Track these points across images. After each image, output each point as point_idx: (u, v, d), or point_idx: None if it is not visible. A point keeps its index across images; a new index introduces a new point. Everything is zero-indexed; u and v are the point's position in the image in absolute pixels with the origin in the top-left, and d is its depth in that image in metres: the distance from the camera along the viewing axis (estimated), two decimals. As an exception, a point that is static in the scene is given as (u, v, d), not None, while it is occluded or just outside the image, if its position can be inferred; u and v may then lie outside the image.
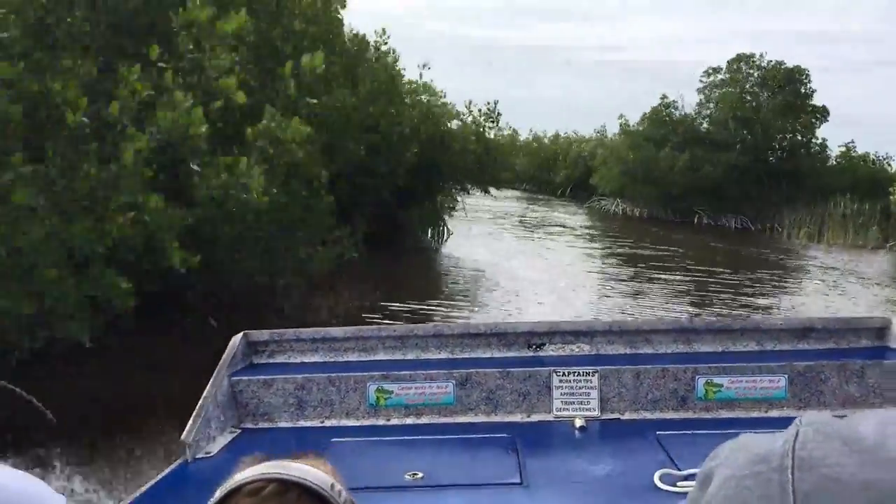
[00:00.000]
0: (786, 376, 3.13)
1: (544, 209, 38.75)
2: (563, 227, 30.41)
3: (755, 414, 3.11)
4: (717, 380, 3.13)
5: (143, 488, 2.47)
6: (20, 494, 0.85)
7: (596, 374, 3.13)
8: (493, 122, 21.66)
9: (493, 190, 25.01)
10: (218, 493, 1.14)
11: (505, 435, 2.93)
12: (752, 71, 36.92)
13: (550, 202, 44.17)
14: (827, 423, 0.68)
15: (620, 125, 38.70)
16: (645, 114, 37.66)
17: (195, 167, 7.86)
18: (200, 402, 2.92)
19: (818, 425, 0.67)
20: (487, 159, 21.52)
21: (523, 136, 51.81)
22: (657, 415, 3.12)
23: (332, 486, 1.11)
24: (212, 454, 2.81)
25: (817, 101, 36.68)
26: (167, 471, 2.68)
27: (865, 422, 0.67)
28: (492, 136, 22.92)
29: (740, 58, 37.38)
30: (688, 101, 37.84)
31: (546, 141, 53.56)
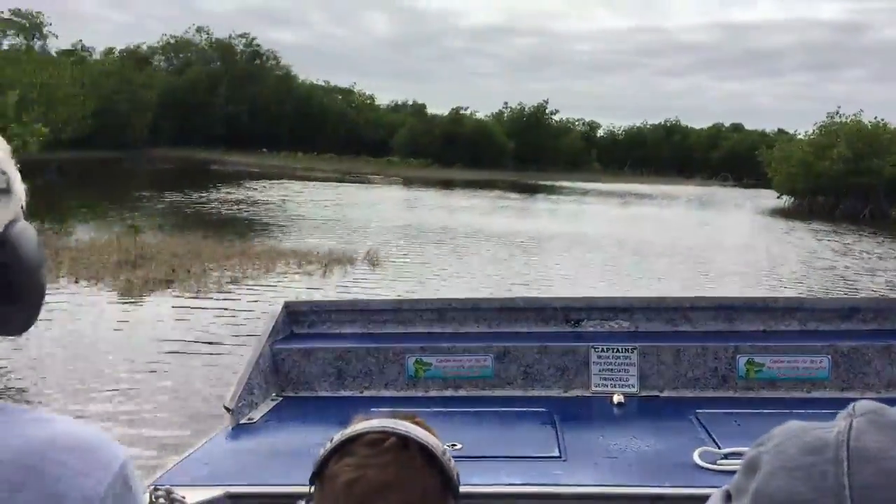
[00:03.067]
0: (829, 357, 3.06)
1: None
2: None
3: (797, 394, 3.04)
4: (758, 359, 3.08)
5: (188, 453, 2.50)
6: (91, 445, 0.88)
7: (635, 351, 3.10)
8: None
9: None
10: (337, 438, 1.15)
11: (543, 409, 2.90)
12: None
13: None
14: (882, 412, 0.66)
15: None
16: None
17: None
18: (243, 369, 2.97)
19: (872, 415, 0.65)
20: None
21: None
22: (697, 393, 3.07)
23: (444, 452, 1.12)
24: (254, 420, 2.84)
25: None
26: (212, 436, 2.71)
27: None
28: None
29: None
30: None
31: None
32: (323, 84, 79.14)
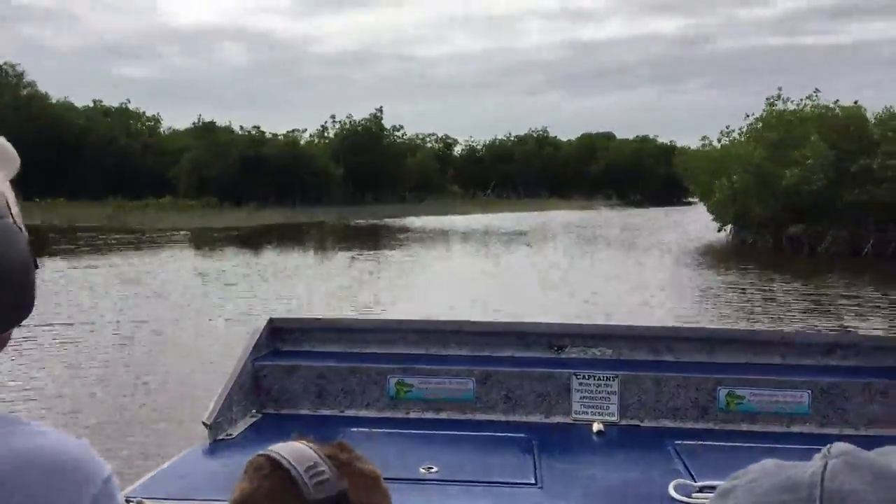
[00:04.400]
0: (809, 392, 3.03)
1: None
2: None
3: (776, 428, 3.01)
4: (739, 391, 3.04)
5: (163, 466, 2.50)
6: (62, 459, 0.86)
7: (616, 379, 3.08)
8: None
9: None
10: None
11: (522, 435, 2.88)
12: None
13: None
14: (857, 455, 0.66)
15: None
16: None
17: None
18: (224, 384, 2.94)
19: (848, 457, 0.66)
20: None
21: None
22: (677, 424, 3.04)
23: (312, 466, 1.03)
24: (232, 436, 2.82)
25: None
26: (188, 450, 2.71)
27: None
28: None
29: None
30: None
31: None
32: (90, 105, 57.94)
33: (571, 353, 3.36)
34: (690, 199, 70.11)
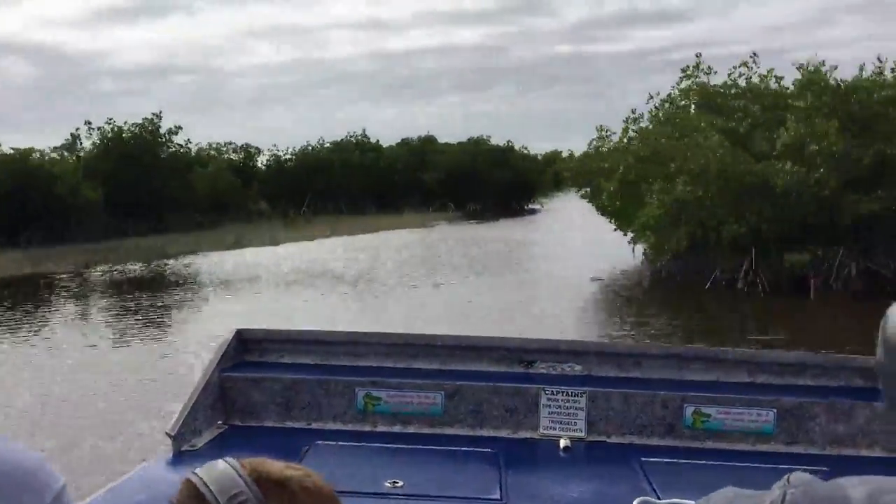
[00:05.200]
0: (774, 411, 3.06)
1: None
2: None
3: (741, 447, 3.04)
4: (705, 409, 3.08)
5: (123, 478, 2.51)
6: (15, 470, 0.85)
7: (584, 395, 3.10)
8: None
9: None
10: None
11: (489, 450, 2.92)
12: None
13: None
14: (815, 485, 0.67)
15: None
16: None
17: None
18: (189, 395, 2.94)
19: (806, 487, 0.67)
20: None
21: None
22: (643, 440, 3.07)
23: (237, 495, 1.02)
24: (196, 448, 2.82)
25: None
26: (149, 462, 2.80)
27: (855, 489, 0.66)
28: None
29: None
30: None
31: None
32: None
33: (540, 369, 3.34)
34: (533, 206, 62.61)
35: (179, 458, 2.70)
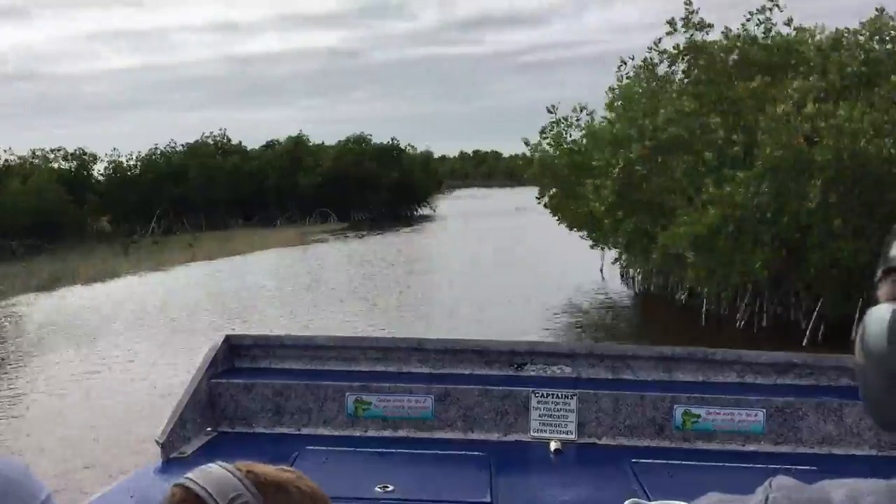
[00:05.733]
0: (763, 411, 3.07)
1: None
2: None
3: (731, 447, 3.05)
4: (695, 410, 3.09)
5: (113, 485, 2.52)
6: (8, 483, 0.85)
7: (575, 398, 3.10)
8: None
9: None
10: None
11: (480, 453, 2.92)
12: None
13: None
14: (797, 489, 0.68)
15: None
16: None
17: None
18: (178, 402, 2.92)
19: (788, 491, 0.67)
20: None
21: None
22: (633, 442, 3.07)
23: (235, 497, 1.01)
24: (186, 455, 2.79)
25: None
26: (139, 470, 2.74)
27: (836, 491, 0.67)
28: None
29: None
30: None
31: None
32: None
33: (531, 371, 3.36)
34: (424, 212, 55.62)
35: (168, 465, 2.69)
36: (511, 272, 22.79)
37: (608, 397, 3.09)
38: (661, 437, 3.06)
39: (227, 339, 3.39)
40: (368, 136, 54.03)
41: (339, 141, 53.58)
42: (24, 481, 0.88)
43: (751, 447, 3.02)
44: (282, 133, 54.26)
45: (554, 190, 18.88)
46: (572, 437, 3.04)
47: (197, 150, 50.24)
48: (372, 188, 49.58)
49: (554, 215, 19.48)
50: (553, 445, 2.97)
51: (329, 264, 28.02)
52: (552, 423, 3.07)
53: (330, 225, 46.70)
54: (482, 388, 3.14)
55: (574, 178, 17.14)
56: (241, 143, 52.86)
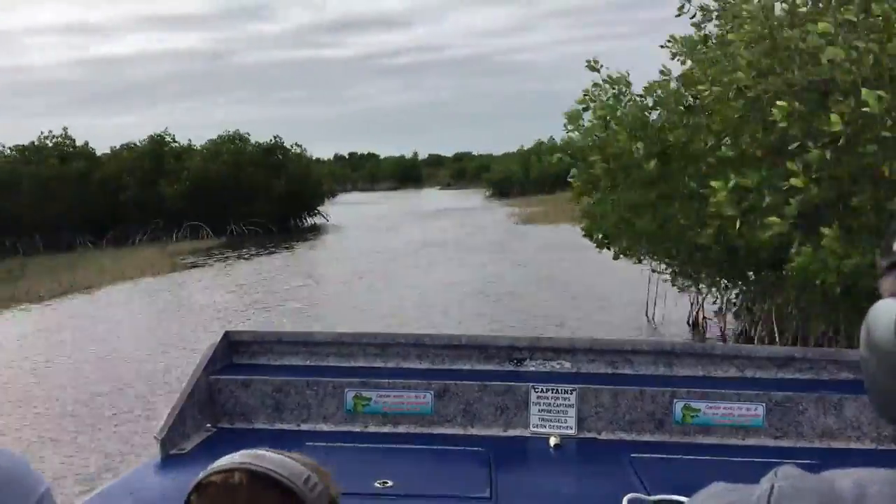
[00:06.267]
0: (763, 405, 3.08)
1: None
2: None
3: (731, 441, 3.06)
4: (694, 404, 3.09)
5: (113, 481, 2.52)
6: (6, 476, 0.84)
7: (574, 392, 3.10)
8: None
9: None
10: (194, 481, 1.10)
11: (480, 449, 2.91)
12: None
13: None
14: (803, 478, 0.68)
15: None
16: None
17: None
18: (177, 398, 2.92)
19: (794, 480, 0.68)
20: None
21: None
22: (633, 436, 3.08)
23: (308, 478, 1.06)
24: (185, 451, 2.81)
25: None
26: (139, 466, 2.74)
27: (841, 480, 0.67)
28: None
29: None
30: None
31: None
32: None
33: (530, 366, 3.35)
34: (315, 220, 47.46)
35: (167, 462, 2.69)
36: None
37: (608, 392, 3.10)
38: (660, 431, 3.07)
39: (227, 335, 3.39)
40: (246, 135, 45.36)
41: (211, 140, 44.52)
42: (23, 474, 0.86)
43: (751, 441, 3.05)
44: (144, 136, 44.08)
45: (593, 197, 11.67)
46: (572, 431, 3.07)
47: (29, 155, 40.29)
48: (253, 195, 41.12)
49: (603, 247, 12.17)
50: (553, 440, 2.99)
51: (216, 309, 19.17)
52: (552, 417, 3.08)
53: (203, 241, 37.98)
54: (481, 383, 3.15)
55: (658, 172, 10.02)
56: (87, 144, 42.98)
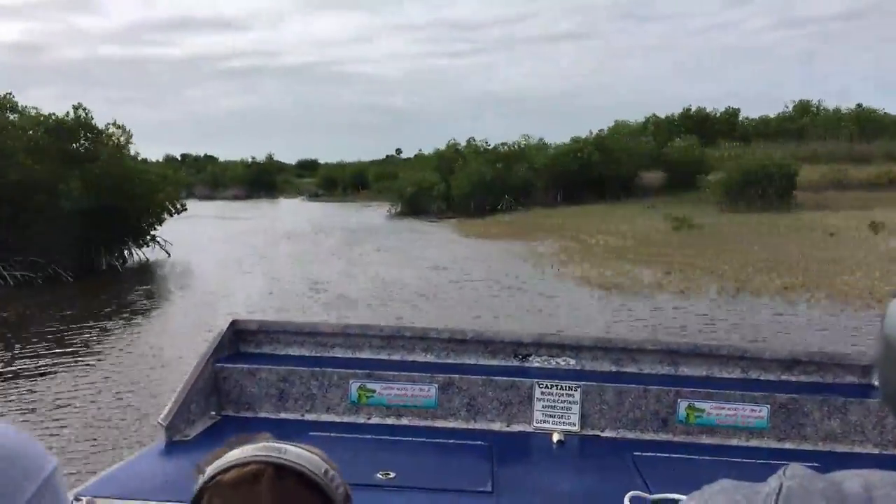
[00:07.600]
0: (768, 407, 3.06)
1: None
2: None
3: (735, 442, 3.04)
4: (698, 404, 3.07)
5: (116, 466, 2.48)
6: (12, 452, 0.79)
7: (578, 390, 3.09)
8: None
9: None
10: (209, 470, 1.04)
11: (482, 443, 2.90)
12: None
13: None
14: (811, 478, 0.67)
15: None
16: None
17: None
18: (182, 385, 2.90)
19: (802, 479, 0.67)
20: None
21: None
22: (636, 435, 3.06)
23: (326, 472, 1.04)
24: (189, 438, 2.80)
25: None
26: (142, 451, 2.72)
27: (850, 481, 0.67)
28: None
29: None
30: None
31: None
32: None
33: (535, 362, 3.34)
34: (144, 255, 28.04)
35: (171, 448, 2.69)
36: None
37: (612, 390, 3.07)
38: (664, 430, 3.05)
39: (233, 323, 3.37)
40: (24, 107, 25.84)
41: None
42: (27, 451, 0.78)
43: (754, 443, 3.03)
44: None
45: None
46: (575, 428, 3.05)
47: None
48: (27, 211, 21.97)
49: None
50: (556, 437, 2.96)
51: None
52: (555, 414, 3.06)
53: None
54: (486, 377, 3.13)
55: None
56: None
